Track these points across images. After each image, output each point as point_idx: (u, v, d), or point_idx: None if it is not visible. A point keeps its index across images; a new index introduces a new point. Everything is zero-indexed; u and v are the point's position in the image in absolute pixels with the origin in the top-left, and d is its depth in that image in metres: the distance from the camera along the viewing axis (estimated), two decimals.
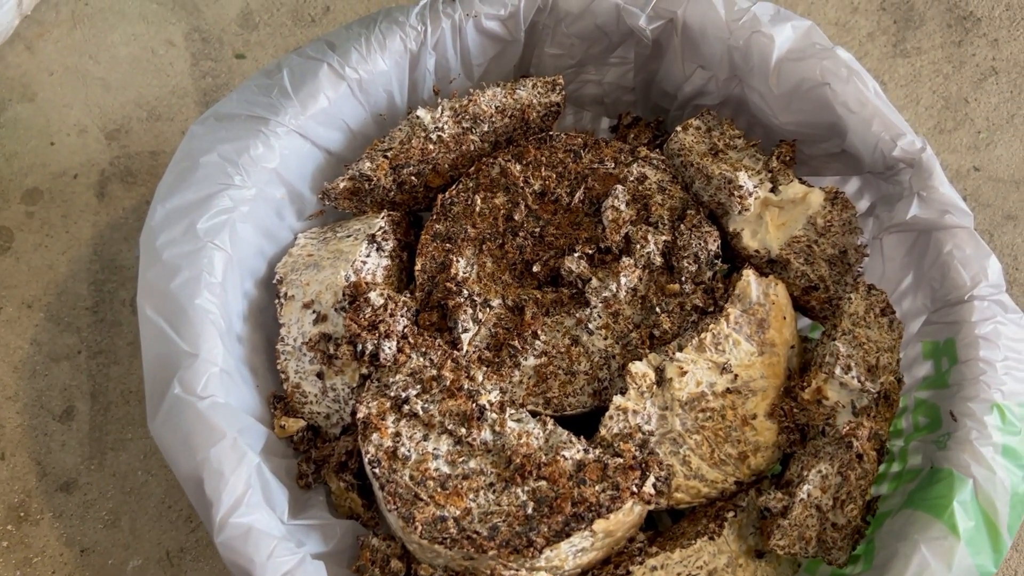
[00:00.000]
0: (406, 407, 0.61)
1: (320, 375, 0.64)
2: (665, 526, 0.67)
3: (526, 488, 0.58)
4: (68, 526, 0.75)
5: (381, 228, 0.68)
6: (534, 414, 0.63)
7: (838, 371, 0.61)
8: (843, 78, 0.65)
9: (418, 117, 0.69)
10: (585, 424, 0.64)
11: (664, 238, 0.67)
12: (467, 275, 0.67)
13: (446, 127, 0.69)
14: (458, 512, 0.58)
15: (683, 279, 0.66)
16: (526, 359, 0.65)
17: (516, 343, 0.65)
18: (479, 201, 0.69)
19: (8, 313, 0.83)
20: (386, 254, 0.68)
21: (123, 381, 0.81)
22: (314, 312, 0.64)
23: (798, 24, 0.67)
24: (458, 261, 0.67)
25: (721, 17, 0.68)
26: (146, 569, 0.74)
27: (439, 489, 0.58)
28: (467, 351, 0.65)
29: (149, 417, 0.57)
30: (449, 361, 0.63)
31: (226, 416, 0.57)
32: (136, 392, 0.80)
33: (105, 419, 0.79)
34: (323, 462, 0.65)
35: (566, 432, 0.61)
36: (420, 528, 0.57)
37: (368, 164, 0.68)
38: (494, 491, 0.59)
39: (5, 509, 0.76)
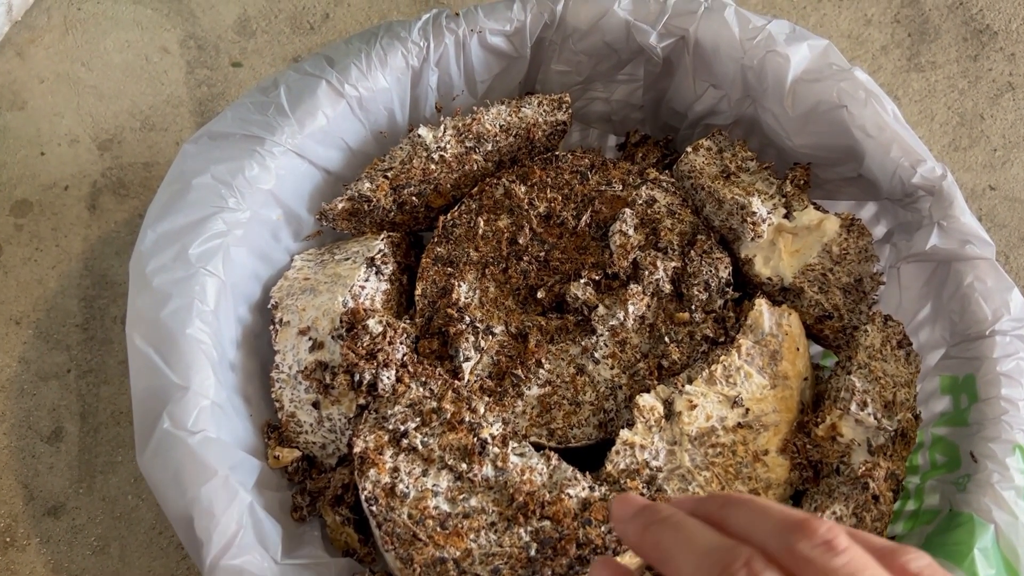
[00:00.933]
0: (405, 441, 0.59)
1: (316, 404, 0.62)
2: None
3: (529, 528, 0.56)
4: (56, 552, 0.73)
5: (380, 251, 0.66)
6: (537, 447, 0.61)
7: (853, 407, 0.58)
8: (861, 101, 0.63)
9: (420, 136, 0.67)
10: (588, 456, 0.62)
11: (673, 264, 0.64)
12: (469, 300, 0.65)
13: (448, 146, 0.67)
14: (458, 553, 0.55)
15: (693, 307, 0.63)
16: (529, 388, 0.63)
17: (519, 372, 0.63)
18: (482, 223, 0.67)
19: None
20: (385, 278, 0.66)
21: (113, 401, 0.78)
22: (310, 339, 0.62)
23: (815, 44, 0.65)
24: (460, 286, 0.65)
25: (735, 35, 0.65)
26: None
27: (438, 528, 0.56)
28: (468, 380, 0.63)
29: (138, 451, 0.55)
30: (450, 392, 0.61)
31: (217, 452, 0.54)
32: (127, 413, 0.78)
33: (95, 441, 0.77)
34: (318, 494, 0.62)
35: (571, 468, 0.58)
36: (419, 570, 0.54)
37: (368, 184, 0.65)
38: (496, 531, 0.56)
39: None
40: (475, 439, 0.59)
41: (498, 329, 0.64)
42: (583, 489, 0.57)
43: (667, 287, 0.64)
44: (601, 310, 0.64)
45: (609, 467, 0.59)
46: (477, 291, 0.66)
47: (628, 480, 0.58)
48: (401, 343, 0.62)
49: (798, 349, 0.62)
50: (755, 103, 0.68)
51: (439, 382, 0.61)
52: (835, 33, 0.93)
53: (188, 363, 0.56)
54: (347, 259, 0.65)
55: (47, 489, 0.75)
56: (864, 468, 0.57)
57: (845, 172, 0.66)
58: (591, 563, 0.45)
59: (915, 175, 0.62)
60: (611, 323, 0.63)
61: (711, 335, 0.63)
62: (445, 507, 0.57)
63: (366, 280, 0.64)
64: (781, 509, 0.36)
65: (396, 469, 0.58)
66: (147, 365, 0.55)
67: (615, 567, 0.42)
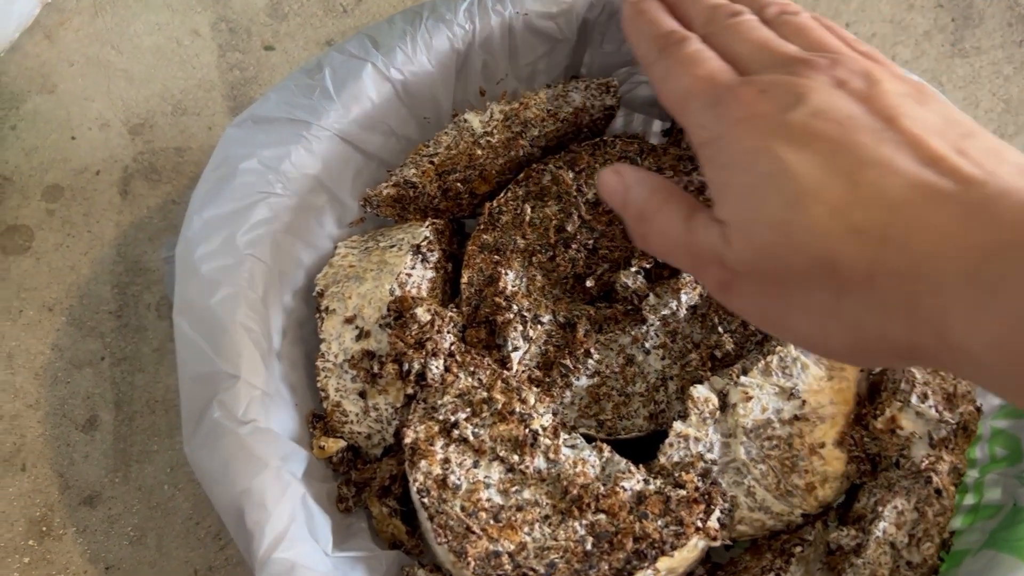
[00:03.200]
0: (455, 432, 0.58)
1: (362, 394, 0.61)
2: (718, 555, 0.64)
3: (584, 521, 0.55)
4: (92, 542, 0.72)
5: (426, 238, 0.64)
6: (587, 439, 0.59)
7: (914, 399, 0.57)
8: None
9: (466, 121, 0.65)
10: (637, 449, 0.61)
11: None
12: (516, 289, 0.64)
13: (495, 132, 0.65)
14: (513, 547, 0.54)
15: None
16: (578, 379, 0.61)
17: (568, 362, 0.62)
18: (529, 210, 0.66)
19: (29, 316, 0.79)
20: (431, 266, 0.64)
21: (148, 390, 0.77)
22: (356, 328, 0.61)
23: None
24: (507, 274, 0.64)
25: None
26: None
27: (492, 521, 0.55)
28: (517, 370, 0.61)
29: (186, 440, 0.54)
30: (499, 382, 0.60)
31: (268, 443, 0.53)
32: (162, 401, 0.77)
33: (130, 429, 0.76)
34: (364, 485, 0.61)
35: (624, 460, 0.57)
36: (473, 564, 0.53)
37: (413, 170, 0.64)
38: (550, 524, 0.55)
39: (27, 523, 0.73)
40: (526, 430, 0.58)
41: (546, 318, 0.63)
42: (637, 482, 0.56)
43: None
44: (652, 299, 0.62)
45: (662, 459, 0.58)
46: (524, 279, 0.64)
47: (683, 473, 0.57)
48: (449, 332, 0.61)
49: None
50: None
51: (488, 372, 0.60)
52: (877, 18, 0.91)
53: (238, 352, 0.54)
54: (392, 246, 0.64)
55: (82, 478, 0.74)
56: (927, 462, 0.55)
57: None
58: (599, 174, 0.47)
59: None
60: (662, 312, 0.62)
61: None
62: (498, 499, 0.56)
63: (412, 268, 0.63)
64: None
65: (447, 460, 0.57)
66: (196, 352, 0.54)
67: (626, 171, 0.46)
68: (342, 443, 0.61)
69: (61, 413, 0.76)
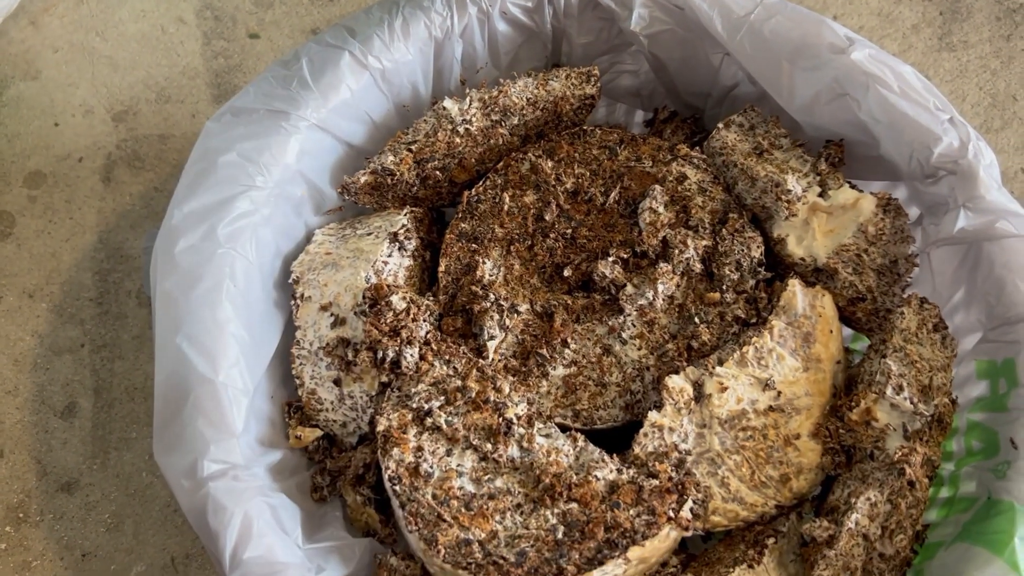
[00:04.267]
0: (429, 420, 0.58)
1: (337, 382, 0.61)
2: (696, 547, 0.64)
3: (556, 510, 0.55)
4: (69, 529, 0.72)
5: (404, 226, 0.64)
6: (562, 428, 0.59)
7: (889, 391, 0.57)
8: (862, 85, 0.60)
9: (445, 108, 0.65)
10: (613, 439, 0.60)
11: (704, 243, 0.63)
12: (494, 278, 0.63)
13: (474, 119, 0.65)
14: (483, 535, 0.54)
15: (724, 287, 0.62)
16: (554, 368, 0.61)
17: (544, 351, 0.61)
18: (507, 199, 0.65)
19: (9, 303, 0.79)
20: (408, 254, 0.64)
21: (128, 377, 0.77)
22: (332, 315, 0.61)
23: (808, 22, 0.62)
24: (484, 263, 0.64)
25: (718, 22, 0.63)
26: (150, 575, 0.71)
27: (463, 510, 0.55)
28: (492, 359, 0.61)
29: (155, 439, 0.53)
30: (474, 370, 0.59)
31: (232, 448, 0.53)
32: (141, 389, 0.76)
33: (108, 416, 0.76)
34: (339, 474, 0.61)
35: (598, 450, 0.57)
36: (443, 552, 0.53)
37: (391, 158, 0.64)
38: (522, 513, 0.55)
39: (4, 509, 0.73)
40: (500, 419, 0.57)
41: (523, 307, 0.63)
42: (611, 472, 0.56)
43: (697, 266, 0.62)
44: (629, 289, 0.62)
45: (637, 449, 0.57)
46: (502, 268, 0.64)
47: (656, 463, 0.57)
48: (424, 320, 0.61)
49: (831, 331, 0.61)
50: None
51: (463, 360, 0.60)
52: (865, 11, 0.91)
53: (215, 351, 0.54)
54: (369, 234, 0.64)
55: (61, 465, 0.74)
56: (900, 454, 0.55)
57: (867, 151, 0.64)
58: None
59: (932, 155, 0.59)
60: (639, 303, 0.62)
61: (742, 316, 0.61)
62: (470, 488, 0.56)
63: (389, 255, 0.63)
64: None
65: (420, 448, 0.57)
66: (173, 353, 0.54)
67: None
68: (318, 432, 0.61)
69: (40, 400, 0.76)
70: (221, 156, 0.59)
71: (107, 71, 0.88)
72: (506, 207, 0.65)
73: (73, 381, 0.77)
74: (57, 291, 0.79)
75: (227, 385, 0.54)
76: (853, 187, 0.63)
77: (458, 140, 0.64)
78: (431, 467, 0.56)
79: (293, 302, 0.62)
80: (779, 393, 0.59)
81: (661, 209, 0.63)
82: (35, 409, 0.76)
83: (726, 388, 0.58)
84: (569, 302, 0.63)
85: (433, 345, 0.60)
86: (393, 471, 0.56)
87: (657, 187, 0.64)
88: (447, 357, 0.60)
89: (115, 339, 0.78)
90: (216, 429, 0.53)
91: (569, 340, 0.62)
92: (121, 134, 0.85)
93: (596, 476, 0.56)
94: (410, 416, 0.58)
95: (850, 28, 0.86)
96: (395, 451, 0.56)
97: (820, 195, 0.62)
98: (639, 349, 0.61)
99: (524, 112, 0.66)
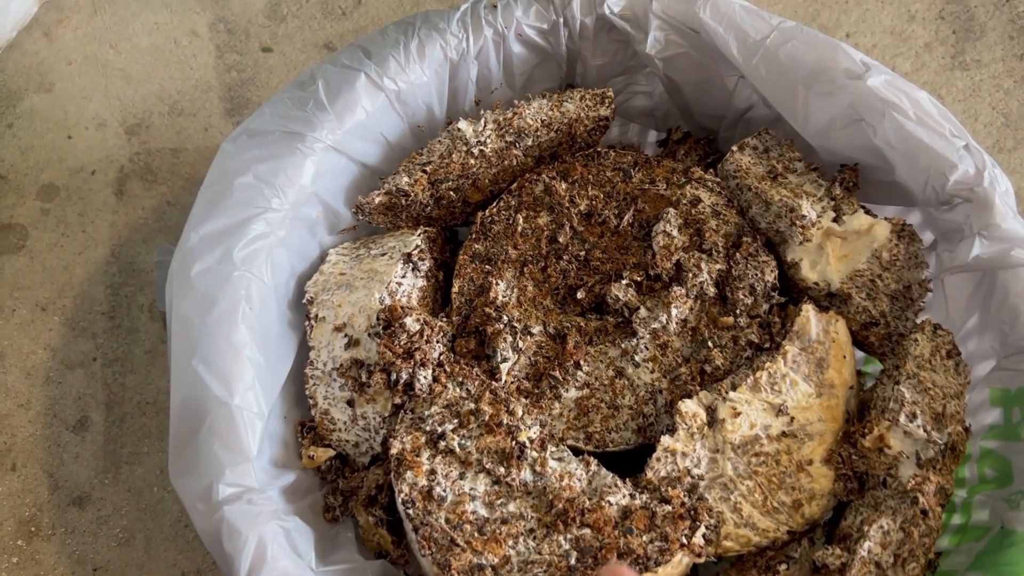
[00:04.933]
0: (442, 443, 0.58)
1: (351, 402, 0.61)
2: (707, 571, 0.64)
3: (568, 536, 0.55)
4: (80, 543, 0.72)
5: (417, 247, 0.64)
6: (575, 452, 0.59)
7: (903, 419, 0.57)
8: (877, 112, 0.60)
9: (459, 130, 0.65)
10: (626, 462, 0.60)
11: (718, 267, 0.63)
12: (507, 300, 0.64)
13: (488, 141, 0.65)
14: (496, 560, 0.54)
15: (737, 312, 0.62)
16: (567, 391, 0.61)
17: (557, 373, 0.61)
18: (521, 220, 0.66)
19: (21, 316, 0.79)
20: (422, 274, 0.64)
21: (139, 391, 0.77)
22: (346, 336, 0.61)
23: (824, 47, 0.62)
24: (498, 284, 0.64)
25: (734, 46, 0.63)
26: None
27: (476, 534, 0.55)
28: (505, 381, 0.61)
29: (171, 462, 0.54)
30: (487, 393, 0.60)
31: (250, 470, 0.53)
32: (152, 403, 0.77)
33: (120, 431, 0.76)
34: (351, 494, 0.61)
35: (611, 474, 0.57)
36: None
37: (406, 179, 0.64)
38: (534, 538, 0.55)
39: (16, 523, 0.73)
40: (513, 442, 0.57)
41: (536, 329, 0.63)
42: (623, 497, 0.56)
43: (711, 290, 0.62)
44: (643, 312, 0.62)
45: (649, 474, 0.57)
46: (515, 290, 0.64)
47: (669, 488, 0.57)
48: (438, 342, 0.61)
49: (845, 357, 0.61)
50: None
51: (476, 383, 0.60)
52: (877, 29, 0.91)
53: (231, 374, 0.54)
54: (383, 254, 0.64)
55: (72, 479, 0.74)
56: (913, 482, 0.55)
57: (881, 176, 0.64)
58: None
59: (948, 182, 0.59)
60: (652, 326, 0.62)
61: (756, 340, 0.61)
62: (483, 512, 0.56)
63: (403, 276, 0.63)
64: None
65: (433, 472, 0.57)
66: (189, 376, 0.54)
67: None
68: (331, 452, 0.61)
69: (52, 413, 0.76)
70: (237, 178, 0.59)
71: (120, 84, 0.88)
72: (520, 228, 0.65)
73: (85, 395, 0.77)
74: (69, 304, 0.80)
75: (242, 408, 0.54)
76: (867, 212, 0.63)
77: (472, 161, 0.65)
78: (444, 491, 0.56)
79: (307, 323, 0.62)
80: (792, 419, 0.59)
81: (675, 232, 0.64)
82: (47, 423, 0.76)
83: (739, 413, 0.58)
84: (582, 324, 0.63)
85: (447, 367, 0.60)
86: (407, 494, 0.56)
87: (671, 210, 0.64)
88: (460, 379, 0.60)
89: (127, 353, 0.78)
90: (231, 452, 0.53)
91: (582, 362, 0.62)
92: (134, 147, 0.86)
93: (609, 501, 0.56)
94: (423, 439, 0.58)
95: (863, 47, 0.86)
96: (408, 474, 0.56)
97: (834, 220, 0.62)
98: (652, 372, 0.61)
99: (538, 133, 0.66)
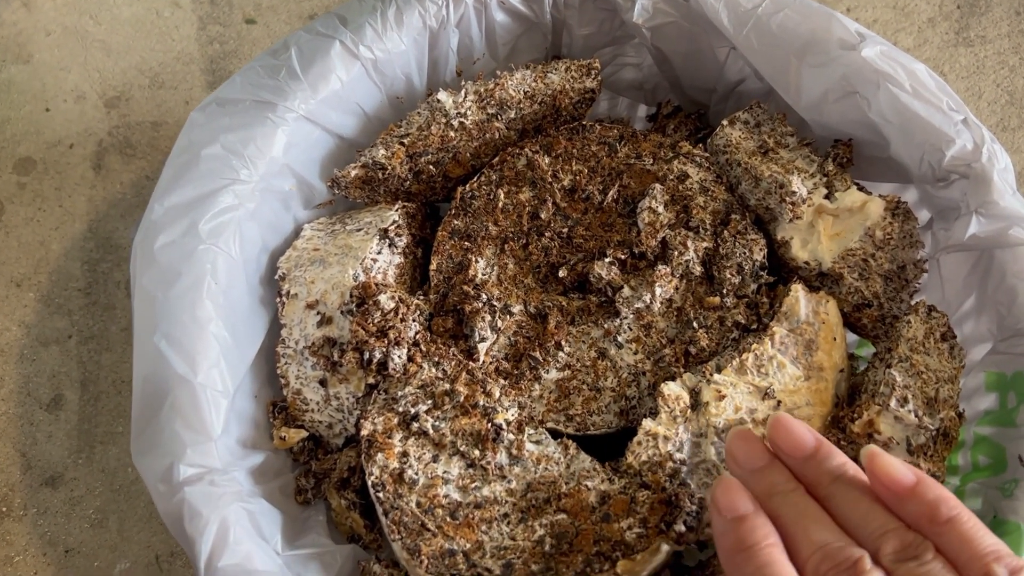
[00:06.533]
0: (415, 424, 0.56)
1: (323, 382, 0.59)
2: (692, 556, 0.62)
3: (544, 521, 0.53)
4: (53, 524, 0.71)
5: (394, 222, 0.62)
6: (555, 434, 0.57)
7: (893, 403, 0.55)
8: (872, 84, 0.58)
9: (439, 101, 0.63)
10: (607, 445, 0.59)
11: (705, 245, 0.61)
12: (486, 277, 0.61)
13: (469, 113, 0.63)
14: (468, 545, 0.52)
15: (724, 291, 0.60)
16: (547, 372, 0.59)
17: (537, 354, 0.59)
18: (502, 196, 0.63)
19: None
20: (399, 251, 0.62)
21: (115, 369, 0.75)
22: (318, 313, 0.59)
23: (817, 16, 0.59)
24: (477, 262, 0.62)
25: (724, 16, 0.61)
26: (134, 573, 0.70)
27: (448, 519, 0.53)
28: (483, 362, 0.59)
29: (133, 440, 0.52)
30: (464, 373, 0.58)
31: (213, 451, 0.51)
32: (128, 382, 0.75)
33: (95, 410, 0.74)
34: (323, 476, 0.59)
35: (589, 458, 0.55)
36: (426, 562, 0.52)
37: (383, 151, 0.62)
38: (508, 523, 0.53)
39: None
40: (489, 424, 0.56)
41: (516, 308, 0.61)
42: (602, 481, 0.54)
43: (697, 269, 0.60)
44: (626, 291, 0.60)
45: (630, 458, 0.55)
46: (495, 267, 0.62)
47: (650, 473, 0.55)
48: (414, 320, 0.59)
49: (835, 339, 0.59)
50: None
51: (453, 363, 0.58)
52: (879, 3, 0.88)
53: (195, 351, 0.52)
54: (359, 230, 0.62)
55: (45, 458, 0.73)
56: None
57: (876, 152, 0.62)
58: (729, 435, 0.47)
59: (945, 158, 0.57)
60: (636, 305, 0.60)
61: (743, 321, 0.59)
62: (456, 496, 0.54)
63: (378, 253, 0.61)
64: (882, 523, 0.40)
65: (405, 454, 0.55)
66: (151, 352, 0.52)
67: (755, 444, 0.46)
68: (303, 433, 0.60)
69: (25, 391, 0.75)
70: (204, 148, 0.57)
71: (100, 56, 0.86)
72: (501, 204, 0.63)
73: (59, 373, 0.75)
74: (45, 280, 0.78)
75: (206, 386, 0.52)
76: (861, 189, 0.61)
77: (452, 134, 0.62)
78: (416, 474, 0.54)
79: (279, 299, 0.60)
80: (779, 402, 0.57)
81: (661, 209, 0.61)
82: (20, 401, 0.74)
83: (724, 396, 0.56)
84: (564, 304, 0.61)
85: (422, 346, 0.59)
86: (377, 477, 0.54)
87: (657, 186, 0.62)
88: (436, 359, 0.58)
89: (103, 331, 0.76)
90: (194, 432, 0.51)
91: (563, 343, 0.60)
92: (113, 120, 0.84)
93: (587, 486, 0.54)
94: (396, 420, 0.56)
95: (864, 21, 0.84)
96: (379, 456, 0.55)
97: (826, 197, 0.60)
98: (635, 353, 0.59)
99: (521, 106, 0.64)
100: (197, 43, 0.87)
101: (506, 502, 0.54)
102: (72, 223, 0.80)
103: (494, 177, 0.64)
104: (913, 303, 0.59)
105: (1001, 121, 0.84)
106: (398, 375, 0.58)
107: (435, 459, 0.55)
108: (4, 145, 0.82)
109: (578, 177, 0.64)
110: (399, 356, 0.57)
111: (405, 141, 0.62)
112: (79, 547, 0.70)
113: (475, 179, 0.64)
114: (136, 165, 0.82)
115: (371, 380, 0.58)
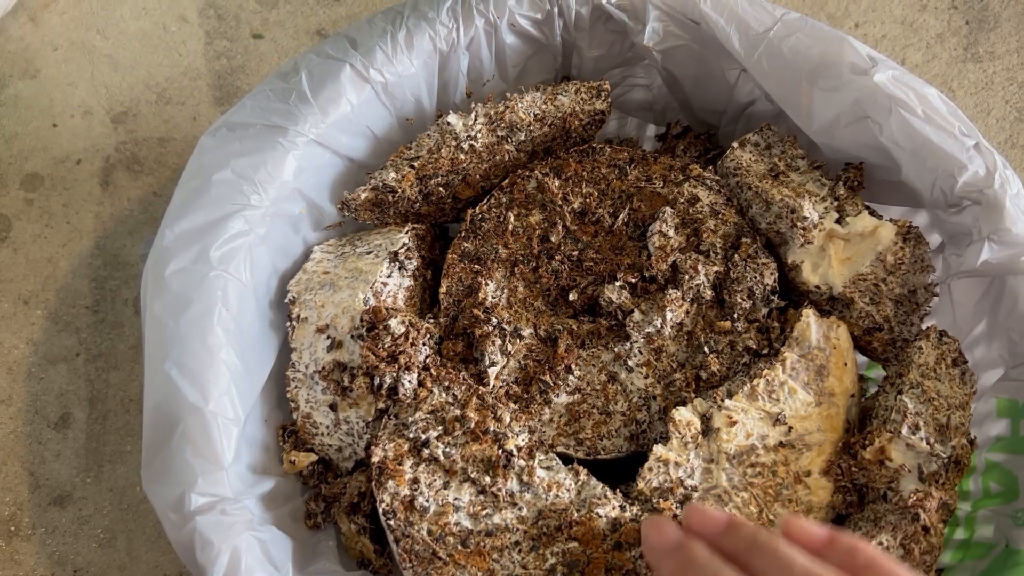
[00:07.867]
0: (426, 451, 0.56)
1: (333, 406, 0.59)
2: None
3: (555, 549, 0.53)
4: (61, 543, 0.71)
5: (404, 245, 0.62)
6: (565, 460, 0.57)
7: (905, 430, 0.55)
8: (884, 109, 0.57)
9: (449, 124, 0.63)
10: (617, 469, 0.58)
11: (716, 269, 0.60)
12: (496, 301, 0.61)
13: (479, 135, 0.63)
14: (480, 574, 0.52)
15: (735, 316, 0.59)
16: (558, 396, 0.59)
17: (547, 378, 0.59)
18: (512, 218, 0.63)
19: (3, 309, 0.77)
20: (408, 274, 0.62)
21: (123, 388, 0.75)
22: (328, 337, 0.59)
23: (828, 40, 0.59)
24: (487, 285, 0.61)
25: (735, 39, 0.61)
26: None
27: (459, 547, 0.53)
28: (493, 386, 0.59)
29: (143, 468, 0.52)
30: (474, 398, 0.58)
31: (224, 479, 0.51)
32: (136, 401, 0.75)
33: (103, 428, 0.74)
34: (333, 500, 0.59)
35: (600, 485, 0.55)
36: None
37: (393, 174, 0.62)
38: (520, 551, 0.53)
39: None
40: (500, 450, 0.55)
41: (526, 332, 0.61)
42: (613, 508, 0.54)
43: (708, 293, 0.60)
44: (637, 315, 0.60)
45: (641, 484, 0.55)
46: (505, 291, 0.62)
47: (661, 500, 0.55)
48: (424, 344, 0.59)
49: (846, 364, 0.59)
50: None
51: (463, 387, 0.58)
52: (888, 19, 0.88)
53: (205, 378, 0.52)
54: (369, 252, 0.62)
55: (53, 477, 0.73)
56: (915, 498, 0.53)
57: (887, 176, 0.61)
58: (642, 525, 0.47)
59: (957, 184, 0.57)
60: (647, 330, 0.59)
61: (754, 346, 0.59)
62: (467, 524, 0.54)
63: (388, 276, 0.61)
64: (804, 565, 0.39)
65: (416, 481, 0.55)
66: (162, 380, 0.52)
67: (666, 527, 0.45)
68: (313, 456, 0.60)
69: (34, 410, 0.74)
70: (215, 173, 0.56)
71: (107, 71, 0.86)
72: (511, 227, 0.63)
73: (67, 391, 0.75)
74: (53, 298, 0.78)
75: (217, 414, 0.52)
76: (872, 213, 0.61)
77: (462, 156, 0.62)
78: (427, 501, 0.54)
79: (289, 323, 0.60)
80: (790, 428, 0.56)
81: (671, 232, 0.61)
82: (28, 419, 0.74)
83: (735, 422, 0.56)
84: (574, 327, 0.61)
85: (432, 371, 0.58)
86: (388, 504, 0.54)
87: (668, 209, 0.62)
88: (446, 384, 0.58)
89: (111, 349, 0.76)
90: (204, 460, 0.51)
91: (573, 366, 0.60)
92: (120, 136, 0.83)
93: (598, 513, 0.54)
94: (406, 446, 0.56)
95: (873, 37, 0.83)
96: (390, 483, 0.54)
97: (837, 221, 0.60)
98: (646, 378, 0.59)
99: (531, 128, 0.64)
100: (204, 58, 0.87)
101: (517, 530, 0.54)
102: (80, 240, 0.80)
103: (504, 200, 0.64)
104: (924, 328, 0.59)
105: (1010, 138, 0.84)
106: (408, 400, 0.57)
107: (446, 486, 0.55)
108: (12, 161, 0.82)
109: (588, 200, 0.63)
110: (409, 381, 0.57)
111: (415, 163, 0.62)
112: (87, 567, 0.70)
113: (485, 201, 0.64)
114: (143, 181, 0.82)
115: (381, 405, 0.58)
